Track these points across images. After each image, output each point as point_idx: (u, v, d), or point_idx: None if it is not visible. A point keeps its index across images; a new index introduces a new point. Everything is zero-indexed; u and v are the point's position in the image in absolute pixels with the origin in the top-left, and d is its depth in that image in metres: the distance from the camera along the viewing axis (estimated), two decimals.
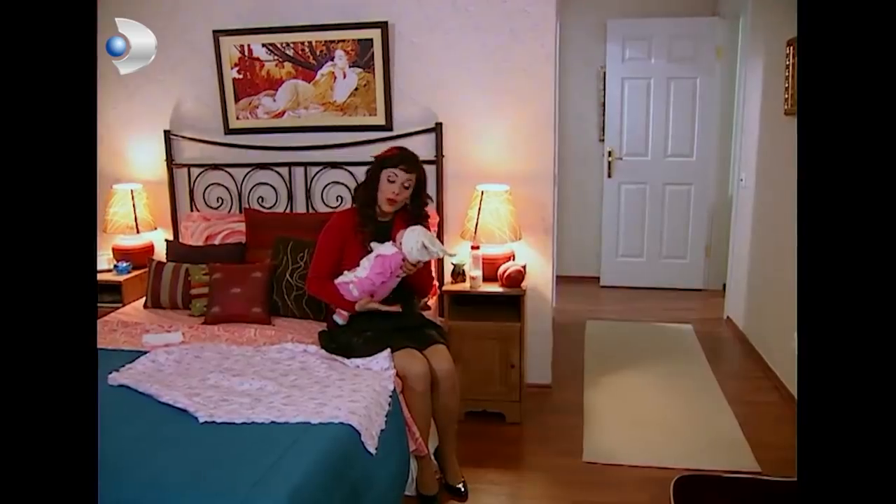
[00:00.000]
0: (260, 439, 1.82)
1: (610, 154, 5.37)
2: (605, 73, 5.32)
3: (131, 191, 3.49)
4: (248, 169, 3.49)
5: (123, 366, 2.31)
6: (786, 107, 3.41)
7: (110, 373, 2.23)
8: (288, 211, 3.48)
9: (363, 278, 2.49)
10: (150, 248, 3.58)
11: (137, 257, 3.50)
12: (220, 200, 3.54)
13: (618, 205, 5.45)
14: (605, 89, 5.35)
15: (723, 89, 5.15)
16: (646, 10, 5.23)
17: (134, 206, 3.46)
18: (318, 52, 3.31)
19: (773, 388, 3.49)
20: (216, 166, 3.52)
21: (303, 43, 3.31)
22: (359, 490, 1.86)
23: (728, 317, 4.60)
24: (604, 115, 5.39)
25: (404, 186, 2.55)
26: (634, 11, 5.25)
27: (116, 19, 2.45)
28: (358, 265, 2.55)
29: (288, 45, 3.33)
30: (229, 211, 3.53)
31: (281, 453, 1.73)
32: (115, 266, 3.42)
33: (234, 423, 1.90)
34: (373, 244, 2.57)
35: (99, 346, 2.57)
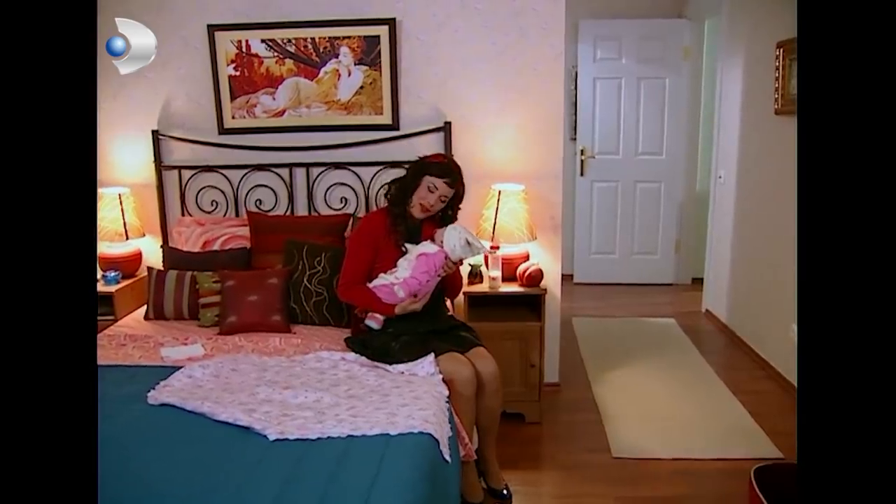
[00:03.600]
0: (341, 455, 1.72)
1: (582, 153, 5.45)
2: (576, 73, 5.39)
3: (119, 195, 3.25)
4: (245, 170, 3.32)
5: (158, 383, 2.14)
6: (776, 106, 3.54)
7: (148, 391, 2.07)
8: (288, 214, 3.34)
9: (408, 278, 2.41)
10: (138, 256, 3.36)
11: (126, 266, 3.28)
12: (214, 204, 3.36)
13: (590, 203, 5.53)
14: (576, 89, 5.42)
15: (690, 89, 5.31)
16: (615, 12, 5.34)
17: (122, 211, 3.23)
18: (321, 49, 3.20)
19: (769, 378, 3.63)
20: (209, 168, 3.34)
21: (305, 39, 3.19)
22: (443, 500, 1.80)
23: (707, 310, 4.75)
24: (576, 114, 5.46)
25: (441, 200, 2.50)
26: (604, 12, 5.34)
27: (116, 19, 2.34)
28: (394, 266, 2.48)
29: (289, 41, 3.20)
30: (225, 214, 3.36)
31: (375, 469, 1.64)
32: (104, 276, 3.19)
33: (308, 440, 1.79)
34: (407, 245, 2.51)
35: (115, 362, 2.41)
